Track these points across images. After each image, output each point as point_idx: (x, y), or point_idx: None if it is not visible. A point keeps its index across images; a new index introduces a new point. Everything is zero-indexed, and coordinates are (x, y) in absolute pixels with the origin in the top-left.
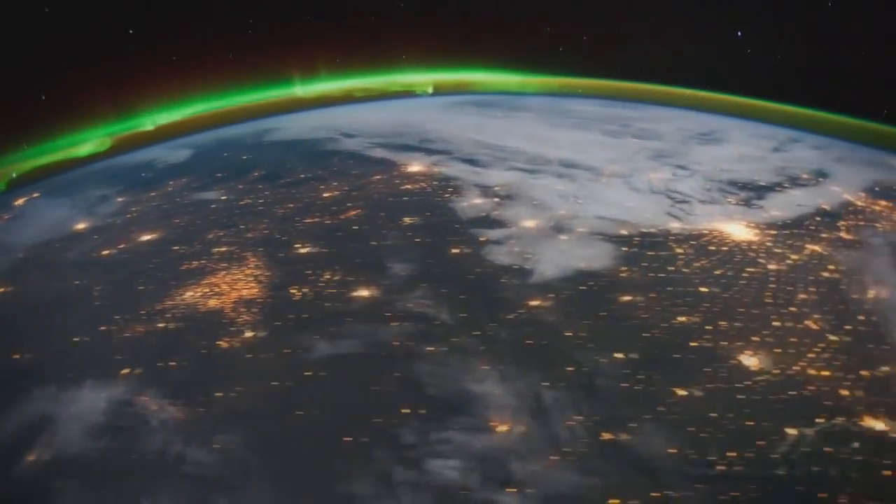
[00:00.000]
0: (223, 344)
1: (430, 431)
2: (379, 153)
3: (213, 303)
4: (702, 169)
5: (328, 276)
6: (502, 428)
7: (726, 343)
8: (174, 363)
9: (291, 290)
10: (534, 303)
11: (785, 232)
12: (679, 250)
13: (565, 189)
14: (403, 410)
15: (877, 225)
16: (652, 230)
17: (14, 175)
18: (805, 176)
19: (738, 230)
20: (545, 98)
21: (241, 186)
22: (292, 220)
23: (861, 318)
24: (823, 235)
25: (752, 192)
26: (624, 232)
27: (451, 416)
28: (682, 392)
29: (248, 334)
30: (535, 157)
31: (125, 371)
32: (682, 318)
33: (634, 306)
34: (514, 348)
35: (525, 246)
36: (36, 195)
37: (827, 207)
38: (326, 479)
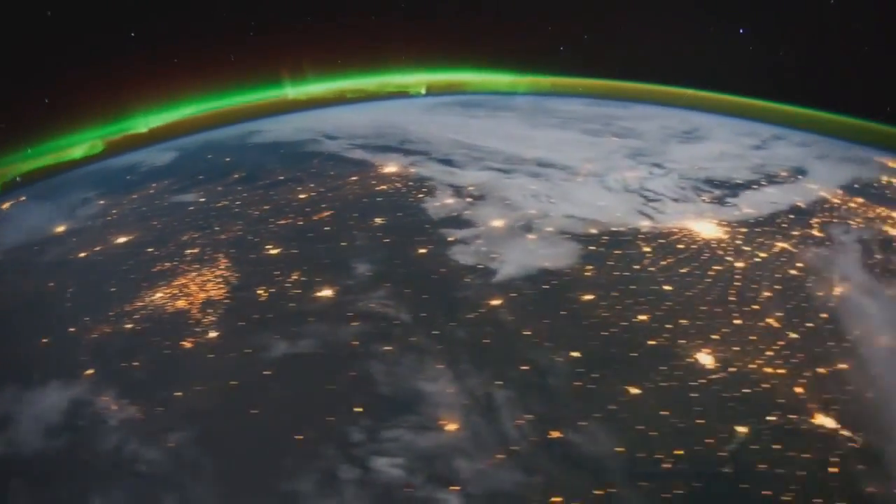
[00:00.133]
0: (187, 344)
1: (379, 430)
2: (358, 154)
3: (180, 304)
4: (678, 167)
5: (295, 277)
6: (451, 426)
7: (684, 341)
8: (138, 363)
9: (258, 291)
10: (494, 302)
11: (756, 230)
12: (646, 249)
13: (538, 188)
14: (356, 409)
15: (850, 222)
16: (621, 229)
17: (18, 178)
18: (783, 173)
19: (708, 228)
20: (532, 98)
21: (219, 188)
22: (266, 222)
23: (823, 315)
24: (794, 233)
25: (726, 190)
26: (593, 231)
27: (401, 414)
28: (634, 390)
29: (213, 334)
30: (511, 157)
31: (89, 372)
32: (642, 317)
33: (595, 305)
34: (470, 347)
35: (491, 245)
36: (23, 199)
37: (801, 205)
38: (272, 477)
